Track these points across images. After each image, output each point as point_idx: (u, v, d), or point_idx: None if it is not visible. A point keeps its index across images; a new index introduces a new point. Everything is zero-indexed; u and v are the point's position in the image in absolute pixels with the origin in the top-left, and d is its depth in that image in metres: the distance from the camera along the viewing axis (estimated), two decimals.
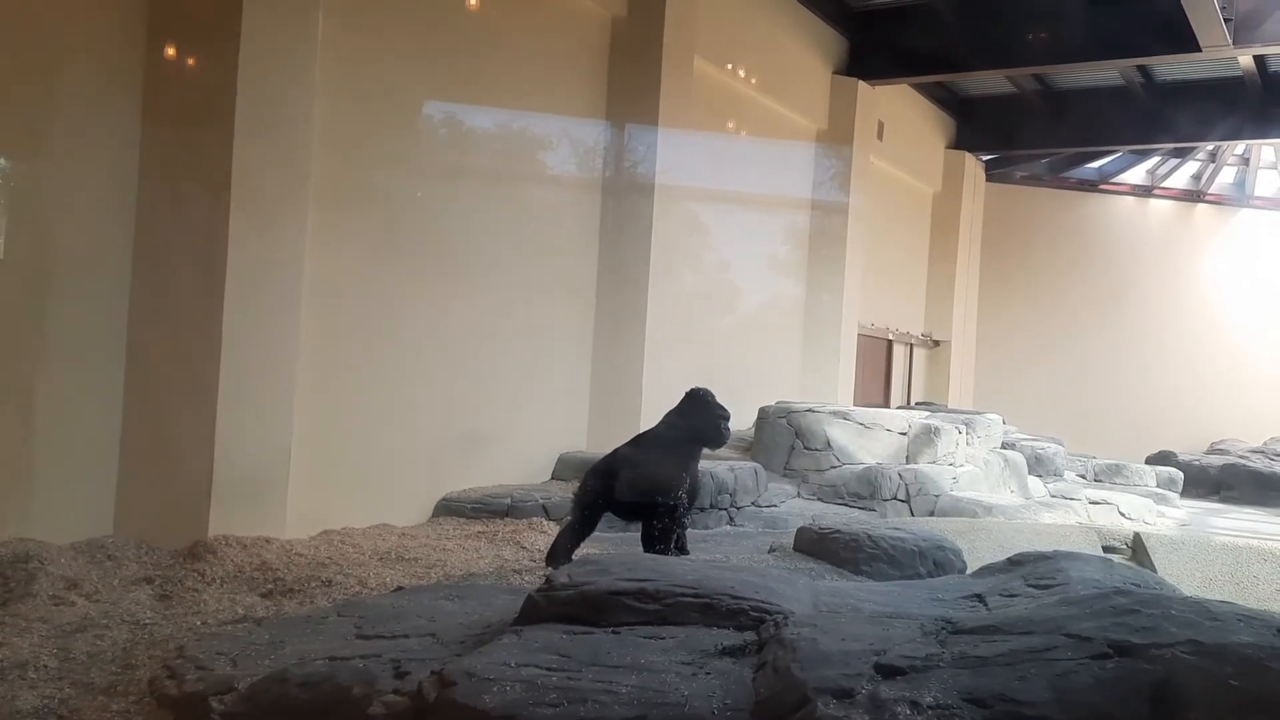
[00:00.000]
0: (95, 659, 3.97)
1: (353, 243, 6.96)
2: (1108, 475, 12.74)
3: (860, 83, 13.10)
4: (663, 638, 3.15)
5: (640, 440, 6.05)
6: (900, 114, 14.86)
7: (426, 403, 7.63)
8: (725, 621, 3.28)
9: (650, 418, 9.52)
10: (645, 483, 5.67)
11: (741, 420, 10.48)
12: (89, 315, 5.86)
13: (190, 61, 6.01)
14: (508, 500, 7.58)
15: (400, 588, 5.28)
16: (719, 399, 5.94)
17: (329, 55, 6.54)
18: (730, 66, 10.94)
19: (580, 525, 5.84)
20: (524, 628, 3.35)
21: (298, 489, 6.40)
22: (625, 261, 9.39)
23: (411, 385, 7.49)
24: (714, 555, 6.41)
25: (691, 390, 5.99)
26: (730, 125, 11.33)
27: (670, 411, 6.02)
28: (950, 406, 14.73)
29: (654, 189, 9.41)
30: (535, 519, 7.32)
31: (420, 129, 7.66)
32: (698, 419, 5.85)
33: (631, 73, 9.36)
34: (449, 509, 7.60)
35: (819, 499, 9.26)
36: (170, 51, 5.98)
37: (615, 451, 6.00)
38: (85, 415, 5.85)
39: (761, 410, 10.07)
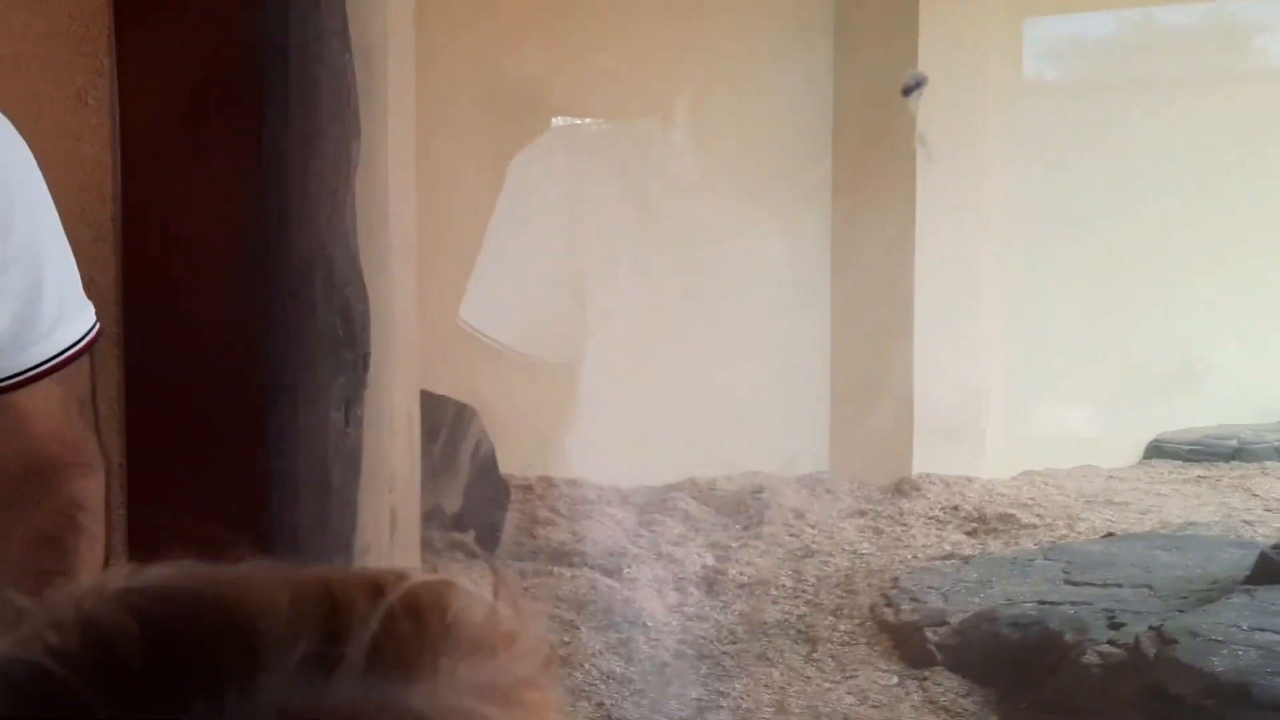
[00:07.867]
0: (823, 582, 4.45)
1: (1048, 170, 6.75)
2: None
3: None
4: None
5: None
6: None
7: (1135, 338, 7.11)
8: None
9: None
10: None
11: None
12: (796, 275, 6.53)
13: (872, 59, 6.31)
14: (1234, 442, 6.76)
15: (1110, 534, 5.09)
16: None
17: None
18: None
19: None
20: (1257, 587, 3.05)
21: (996, 429, 6.45)
22: None
23: (1117, 318, 7.03)
24: None
25: None
26: None
27: None
28: None
29: None
30: (1269, 463, 6.46)
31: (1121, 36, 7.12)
32: None
33: None
34: (1161, 451, 7.00)
35: None
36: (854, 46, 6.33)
37: None
38: (800, 365, 6.56)
39: None
